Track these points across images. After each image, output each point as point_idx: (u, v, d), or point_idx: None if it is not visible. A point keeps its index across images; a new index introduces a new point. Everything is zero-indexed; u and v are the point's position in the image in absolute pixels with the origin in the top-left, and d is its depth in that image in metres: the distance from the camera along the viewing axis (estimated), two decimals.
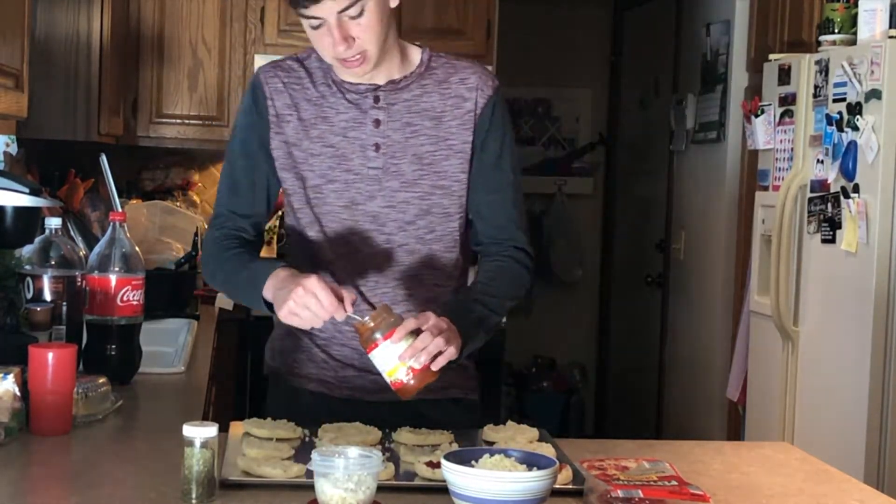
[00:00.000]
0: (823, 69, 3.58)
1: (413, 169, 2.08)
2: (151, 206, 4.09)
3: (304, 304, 1.84)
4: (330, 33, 1.95)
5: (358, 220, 2.09)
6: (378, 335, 1.83)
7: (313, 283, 1.84)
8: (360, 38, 1.97)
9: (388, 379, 1.86)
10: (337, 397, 2.16)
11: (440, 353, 1.84)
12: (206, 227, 2.22)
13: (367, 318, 1.84)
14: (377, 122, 2.08)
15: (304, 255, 2.14)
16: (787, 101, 3.81)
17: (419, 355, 1.82)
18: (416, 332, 1.83)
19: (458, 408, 2.19)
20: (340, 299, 1.85)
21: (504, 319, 4.22)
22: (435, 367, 1.85)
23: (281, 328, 2.23)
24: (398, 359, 1.83)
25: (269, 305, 1.96)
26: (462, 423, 2.08)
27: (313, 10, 1.93)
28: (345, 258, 2.10)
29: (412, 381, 1.85)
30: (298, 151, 2.10)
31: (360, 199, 2.08)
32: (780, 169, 3.85)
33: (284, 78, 2.11)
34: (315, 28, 1.97)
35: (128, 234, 2.34)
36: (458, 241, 2.15)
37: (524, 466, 1.63)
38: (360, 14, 1.94)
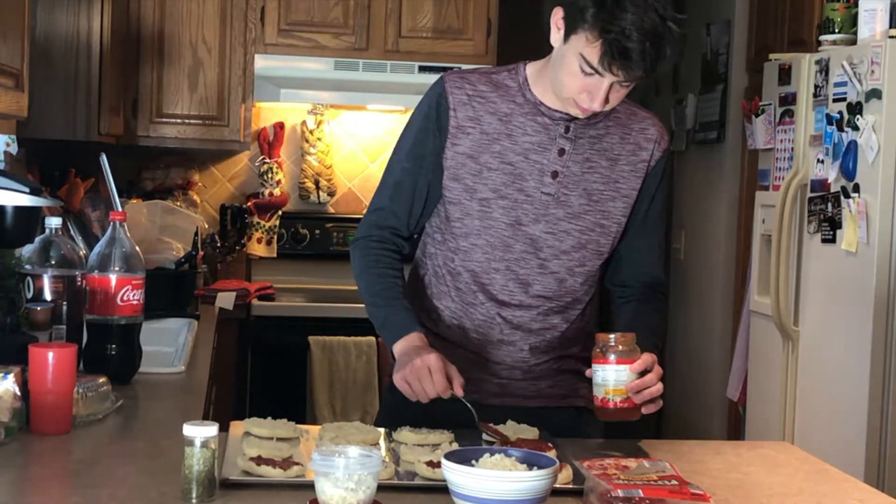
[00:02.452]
0: (824, 69, 3.58)
1: (581, 202, 2.14)
2: (151, 206, 4.08)
3: (418, 377, 1.97)
4: (597, 88, 1.98)
5: (518, 240, 2.14)
6: (613, 356, 1.96)
7: (433, 360, 1.97)
8: (613, 101, 2.02)
9: (598, 395, 1.98)
10: (462, 398, 2.11)
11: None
12: (365, 216, 2.25)
13: (613, 335, 1.97)
14: (562, 151, 2.13)
15: (450, 263, 2.19)
16: (788, 100, 3.81)
17: (643, 392, 1.96)
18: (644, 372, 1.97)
19: (581, 416, 2.24)
20: (450, 381, 1.98)
21: None
22: (644, 410, 1.99)
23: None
24: (623, 385, 1.96)
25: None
26: (584, 432, 2.16)
27: (609, 72, 1.95)
28: (497, 272, 2.15)
29: (616, 411, 1.98)
30: (474, 163, 2.13)
31: (524, 220, 2.13)
32: (780, 169, 3.85)
33: (470, 90, 2.14)
34: (585, 74, 1.98)
35: (128, 234, 2.34)
36: (596, 279, 2.24)
37: (524, 466, 1.63)
38: (630, 86, 1.99)
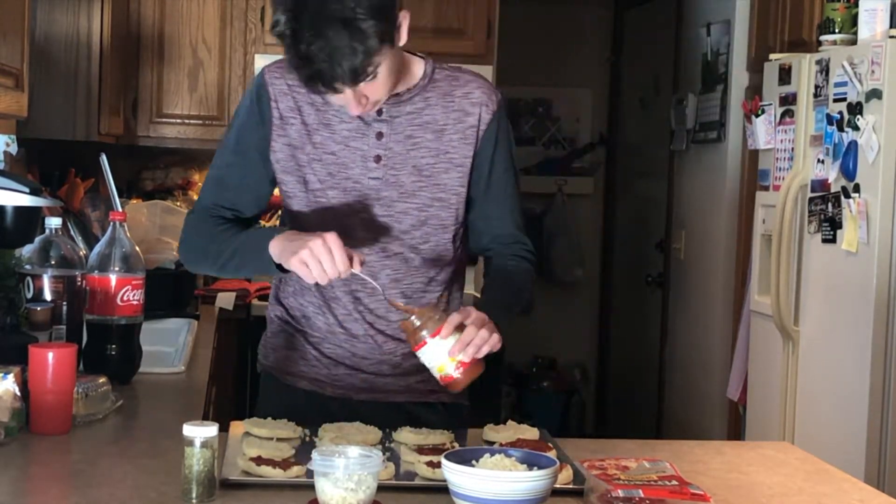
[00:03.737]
0: (824, 69, 3.58)
1: (412, 180, 2.09)
2: (151, 206, 4.08)
3: (319, 256, 1.86)
4: (340, 98, 1.94)
5: (355, 227, 2.09)
6: (425, 333, 1.87)
7: (333, 238, 1.87)
8: (373, 96, 1.96)
9: (437, 375, 1.90)
10: (328, 396, 2.17)
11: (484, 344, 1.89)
12: (186, 217, 2.20)
13: (412, 317, 1.87)
14: (380, 135, 2.08)
15: None
16: (788, 100, 3.81)
17: (467, 349, 1.87)
18: (460, 327, 1.87)
19: (450, 411, 2.21)
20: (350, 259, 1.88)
21: None
22: (479, 355, 1.89)
23: (273, 325, 2.25)
24: (447, 354, 1.87)
25: (273, 265, 1.96)
26: (452, 426, 2.08)
27: (333, 98, 1.93)
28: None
29: (461, 375, 1.89)
30: (302, 154, 2.09)
31: (358, 206, 2.09)
32: (780, 169, 3.85)
33: (290, 80, 2.08)
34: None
35: (128, 234, 2.33)
36: (451, 250, 2.17)
37: (524, 466, 1.63)
38: (374, 77, 1.91)
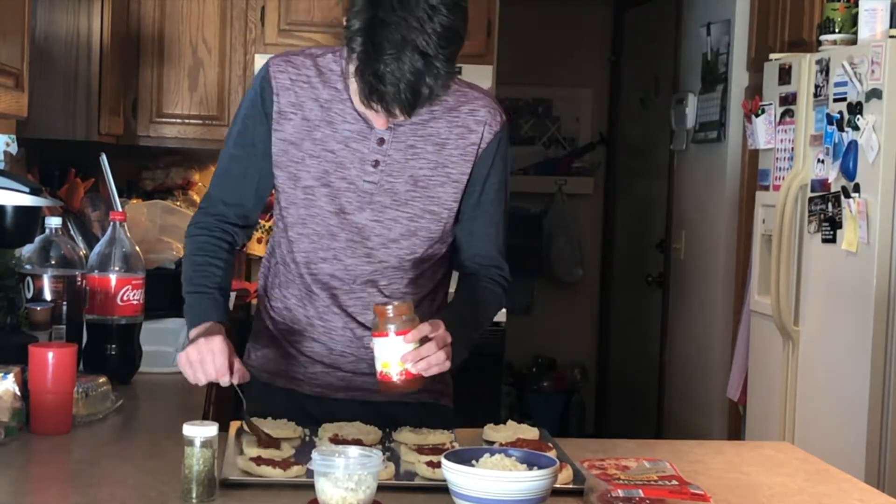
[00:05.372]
0: (824, 69, 3.58)
1: (407, 189, 2.08)
2: (151, 206, 4.08)
3: (200, 358, 1.93)
4: (374, 114, 1.94)
5: (344, 228, 2.09)
6: (392, 327, 1.86)
7: (217, 343, 1.93)
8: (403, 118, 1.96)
9: (378, 369, 1.88)
10: (306, 394, 2.18)
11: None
12: (199, 205, 2.23)
13: (389, 306, 1.87)
14: (381, 141, 2.06)
15: (286, 252, 2.16)
16: (788, 100, 3.81)
17: (419, 363, 1.86)
18: (424, 339, 1.87)
19: (429, 412, 2.19)
20: (231, 368, 1.94)
21: (504, 319, 4.23)
22: (426, 374, 1.88)
23: (257, 324, 2.27)
24: (399, 357, 1.85)
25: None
26: (434, 427, 2.06)
27: (370, 107, 1.91)
28: (325, 262, 2.11)
29: (399, 383, 1.88)
30: (297, 150, 2.08)
31: (349, 208, 2.08)
32: (780, 169, 3.85)
33: (293, 74, 2.08)
34: None
35: (128, 234, 2.34)
36: (438, 264, 2.18)
37: (524, 466, 1.63)
38: None
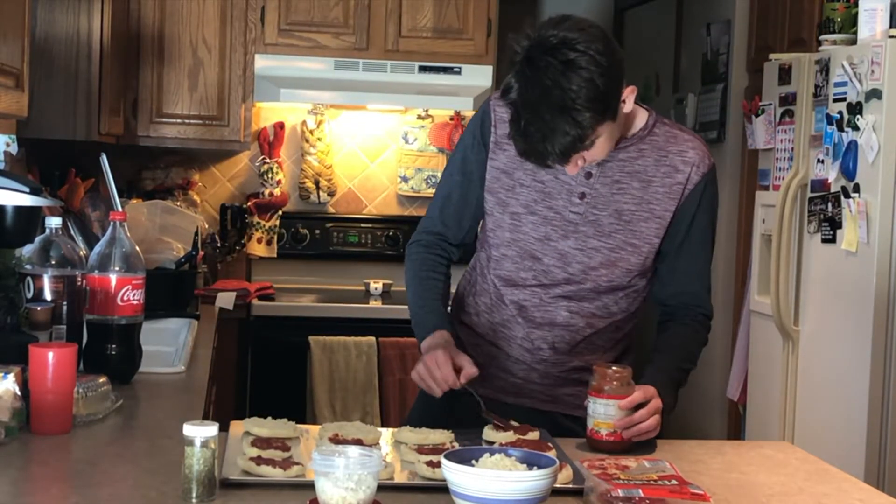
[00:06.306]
0: (824, 69, 3.58)
1: (610, 221, 2.18)
2: (152, 206, 4.08)
3: (428, 372, 2.10)
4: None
5: (547, 254, 2.20)
6: (609, 389, 2.01)
7: (439, 355, 2.10)
8: (590, 158, 2.07)
9: (590, 426, 2.04)
10: (480, 394, 2.18)
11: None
12: (419, 224, 2.40)
13: (611, 369, 2.03)
14: (589, 175, 2.18)
15: (485, 266, 2.29)
16: (788, 100, 3.81)
17: (631, 430, 2.00)
18: (637, 406, 2.00)
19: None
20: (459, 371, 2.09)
21: None
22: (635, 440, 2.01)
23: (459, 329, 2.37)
24: (611, 420, 2.01)
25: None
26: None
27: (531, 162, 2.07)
28: (525, 283, 2.22)
29: (607, 444, 2.01)
30: (508, 178, 2.21)
31: (554, 236, 2.20)
32: (780, 168, 3.85)
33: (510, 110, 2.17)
34: None
35: (128, 234, 2.33)
36: (633, 297, 2.26)
37: (524, 466, 1.63)
38: (592, 145, 2.02)
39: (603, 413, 2.01)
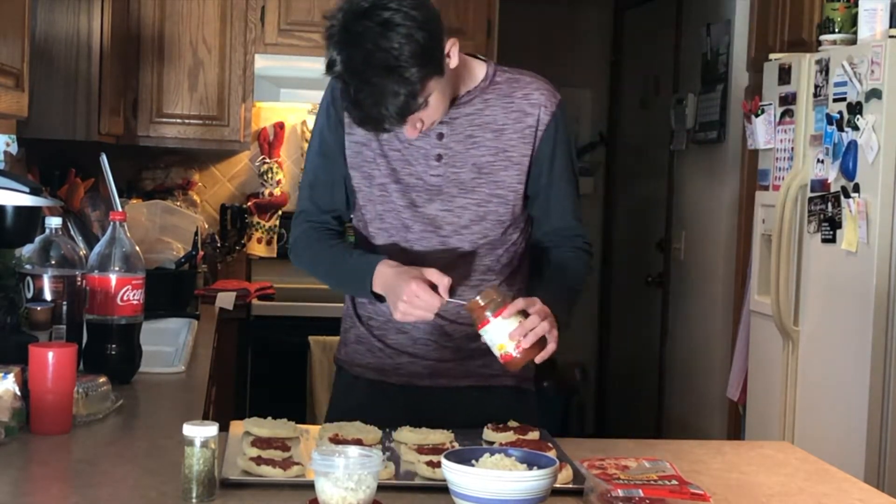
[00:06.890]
0: (824, 69, 3.58)
1: (472, 177, 2.18)
2: (151, 206, 4.08)
3: (413, 307, 2.03)
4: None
5: (417, 221, 2.19)
6: (489, 313, 1.97)
7: (413, 286, 2.01)
8: (427, 119, 2.07)
9: (497, 353, 1.99)
10: (393, 384, 2.25)
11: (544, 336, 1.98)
12: (293, 221, 2.34)
13: (478, 297, 1.98)
14: (440, 136, 2.17)
15: (367, 248, 2.25)
16: (788, 100, 3.81)
17: (528, 336, 1.96)
18: (524, 313, 1.97)
19: (514, 396, 2.27)
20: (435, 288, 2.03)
21: None
22: (541, 355, 1.99)
23: (346, 322, 2.36)
24: (507, 336, 1.96)
25: (379, 297, 2.13)
26: (518, 410, 2.15)
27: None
28: (402, 253, 2.19)
29: (519, 355, 1.97)
30: (368, 151, 2.19)
31: (419, 201, 2.18)
32: (780, 169, 3.85)
33: None
34: None
35: (128, 234, 2.34)
36: (511, 246, 2.25)
37: (524, 466, 1.63)
38: (426, 106, 2.01)
39: (497, 332, 1.97)
